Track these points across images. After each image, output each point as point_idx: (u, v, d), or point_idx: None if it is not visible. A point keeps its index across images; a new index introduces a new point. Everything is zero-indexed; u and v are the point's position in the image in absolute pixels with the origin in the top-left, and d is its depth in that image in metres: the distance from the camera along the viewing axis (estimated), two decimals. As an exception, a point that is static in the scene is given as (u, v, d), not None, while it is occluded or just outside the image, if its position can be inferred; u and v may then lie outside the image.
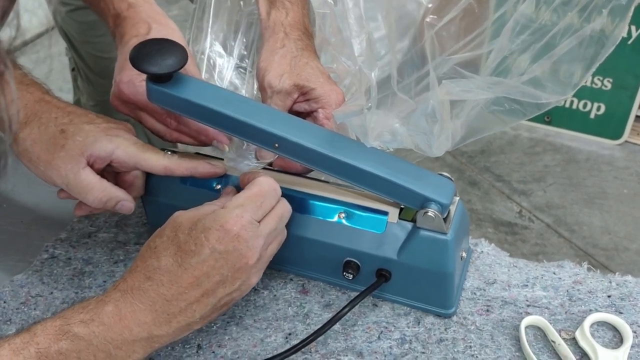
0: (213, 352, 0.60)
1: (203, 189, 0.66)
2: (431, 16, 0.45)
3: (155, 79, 0.60)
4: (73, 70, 1.38)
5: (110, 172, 0.64)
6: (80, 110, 0.63)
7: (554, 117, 2.21)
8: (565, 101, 2.18)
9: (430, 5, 0.45)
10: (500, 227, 1.88)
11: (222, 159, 0.67)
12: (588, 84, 2.12)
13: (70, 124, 0.60)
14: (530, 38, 0.45)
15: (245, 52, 0.79)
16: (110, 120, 0.64)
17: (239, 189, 0.60)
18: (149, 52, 0.58)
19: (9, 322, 0.63)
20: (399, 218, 0.60)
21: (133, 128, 0.65)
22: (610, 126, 2.17)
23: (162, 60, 0.58)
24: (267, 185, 0.57)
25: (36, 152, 0.60)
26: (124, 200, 0.62)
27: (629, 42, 1.99)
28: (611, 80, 2.10)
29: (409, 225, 0.60)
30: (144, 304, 0.51)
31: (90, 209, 0.64)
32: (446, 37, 0.45)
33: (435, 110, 0.48)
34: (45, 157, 0.59)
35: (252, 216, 0.54)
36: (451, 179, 0.60)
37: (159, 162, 0.62)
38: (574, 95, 2.16)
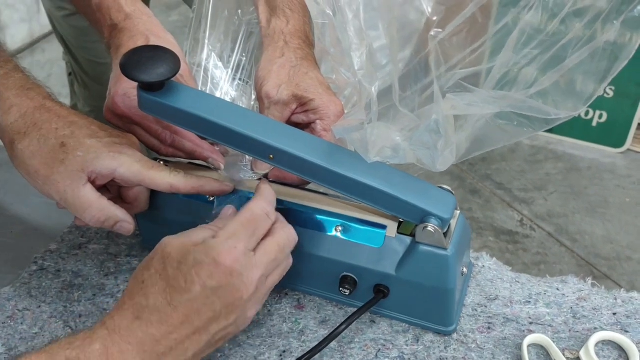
0: (205, 370, 0.58)
1: (196, 200, 0.64)
2: (435, 29, 0.43)
3: (146, 87, 0.58)
4: (70, 75, 1.37)
5: (114, 186, 0.62)
6: (82, 120, 0.60)
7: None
8: (567, 109, 2.17)
9: (435, 18, 0.43)
10: (501, 235, 1.86)
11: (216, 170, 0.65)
12: (590, 91, 2.11)
13: (72, 136, 0.58)
14: (538, 49, 0.43)
15: (243, 63, 0.77)
16: (114, 133, 0.61)
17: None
18: (140, 59, 0.56)
19: (-6, 337, 0.61)
20: (398, 232, 0.58)
21: (137, 141, 0.63)
22: (612, 134, 2.16)
23: (154, 69, 0.56)
24: (258, 209, 0.53)
25: (35, 165, 0.57)
26: (123, 222, 0.60)
27: (632, 49, 1.98)
28: (613, 88, 2.08)
29: (408, 239, 0.58)
30: (132, 345, 0.48)
31: None
32: (450, 48, 0.43)
33: (439, 125, 0.46)
34: (44, 171, 0.57)
35: (245, 246, 0.51)
36: (452, 193, 0.58)
37: (164, 180, 0.60)
38: (576, 103, 2.15)
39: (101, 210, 0.58)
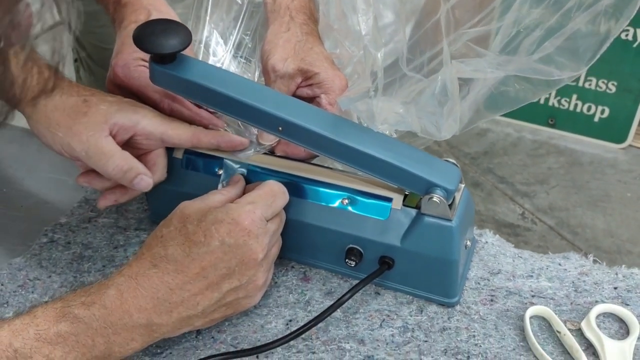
0: (212, 337, 0.59)
1: (204, 173, 0.65)
2: None
3: (158, 59, 0.59)
4: (76, 61, 1.38)
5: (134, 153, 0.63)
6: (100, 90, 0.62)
7: (558, 119, 2.20)
8: (569, 104, 2.17)
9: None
10: (503, 228, 1.87)
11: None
12: (592, 87, 2.11)
13: (93, 95, 0.59)
14: (543, 12, 0.44)
15: (245, 42, 0.78)
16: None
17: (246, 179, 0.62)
18: (152, 32, 0.57)
19: (5, 305, 0.62)
20: (403, 204, 0.59)
21: None
22: (614, 130, 2.16)
23: (166, 41, 0.57)
24: (277, 187, 0.58)
25: (56, 118, 0.58)
26: (144, 174, 0.60)
27: (634, 45, 1.98)
28: (615, 83, 2.08)
29: (413, 211, 0.59)
30: (147, 291, 0.50)
31: (115, 197, 0.63)
32: (461, 12, 0.44)
33: (446, 87, 0.47)
34: (66, 122, 0.58)
35: (262, 213, 0.54)
36: (457, 165, 0.59)
37: (186, 131, 0.61)
38: (578, 98, 2.15)
39: (124, 159, 0.59)
